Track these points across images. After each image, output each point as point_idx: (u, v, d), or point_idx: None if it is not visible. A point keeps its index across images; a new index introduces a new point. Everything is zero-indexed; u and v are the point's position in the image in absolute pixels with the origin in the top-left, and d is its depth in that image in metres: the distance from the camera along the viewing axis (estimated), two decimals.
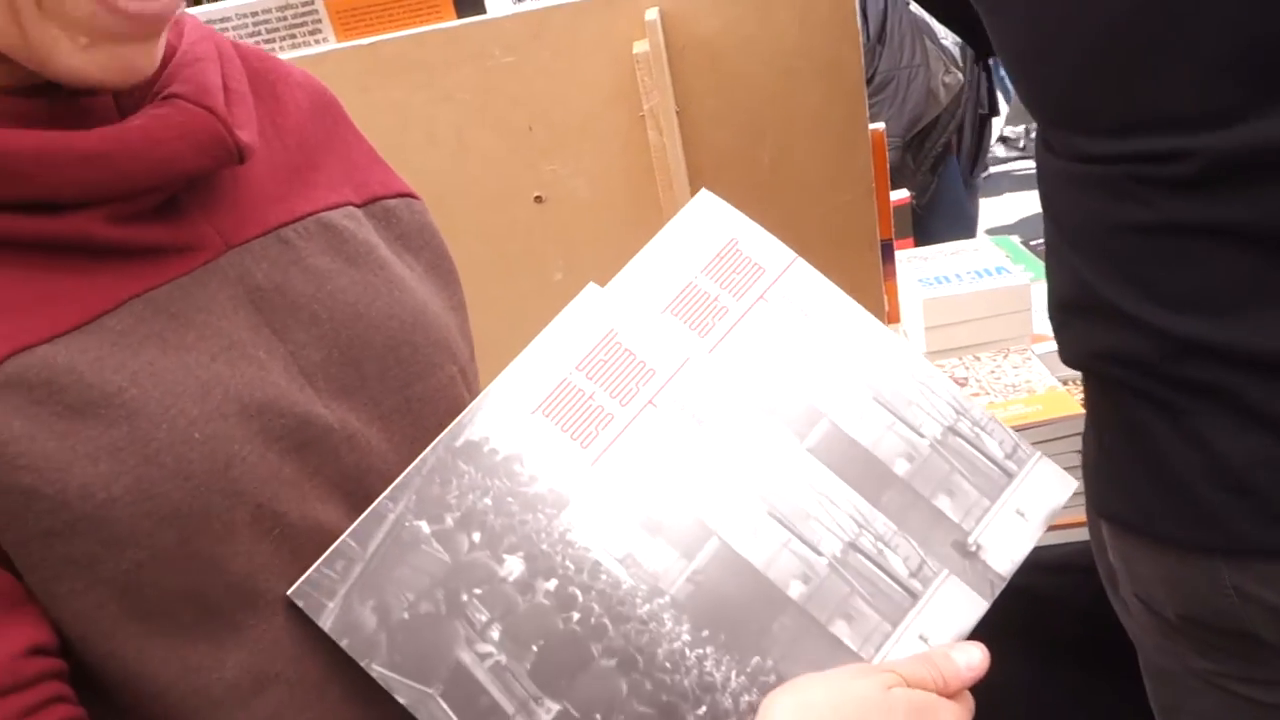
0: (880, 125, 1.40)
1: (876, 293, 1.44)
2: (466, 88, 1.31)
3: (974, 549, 0.66)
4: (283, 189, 0.63)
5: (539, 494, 0.61)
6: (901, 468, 0.67)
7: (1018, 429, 1.07)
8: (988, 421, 0.69)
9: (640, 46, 1.23)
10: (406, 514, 0.59)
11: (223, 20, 1.30)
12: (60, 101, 0.54)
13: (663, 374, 0.63)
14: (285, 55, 1.33)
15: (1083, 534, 1.11)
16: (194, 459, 0.53)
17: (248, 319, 0.58)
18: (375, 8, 1.29)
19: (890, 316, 1.61)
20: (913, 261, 1.84)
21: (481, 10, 1.29)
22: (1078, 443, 1.11)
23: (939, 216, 3.22)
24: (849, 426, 0.67)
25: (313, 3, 1.28)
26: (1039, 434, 1.41)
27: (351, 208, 0.67)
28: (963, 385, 1.56)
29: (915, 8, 3.01)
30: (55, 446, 0.49)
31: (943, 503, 0.66)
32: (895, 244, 1.64)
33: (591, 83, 1.29)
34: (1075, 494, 0.71)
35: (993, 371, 1.61)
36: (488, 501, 0.60)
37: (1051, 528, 0.70)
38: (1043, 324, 1.33)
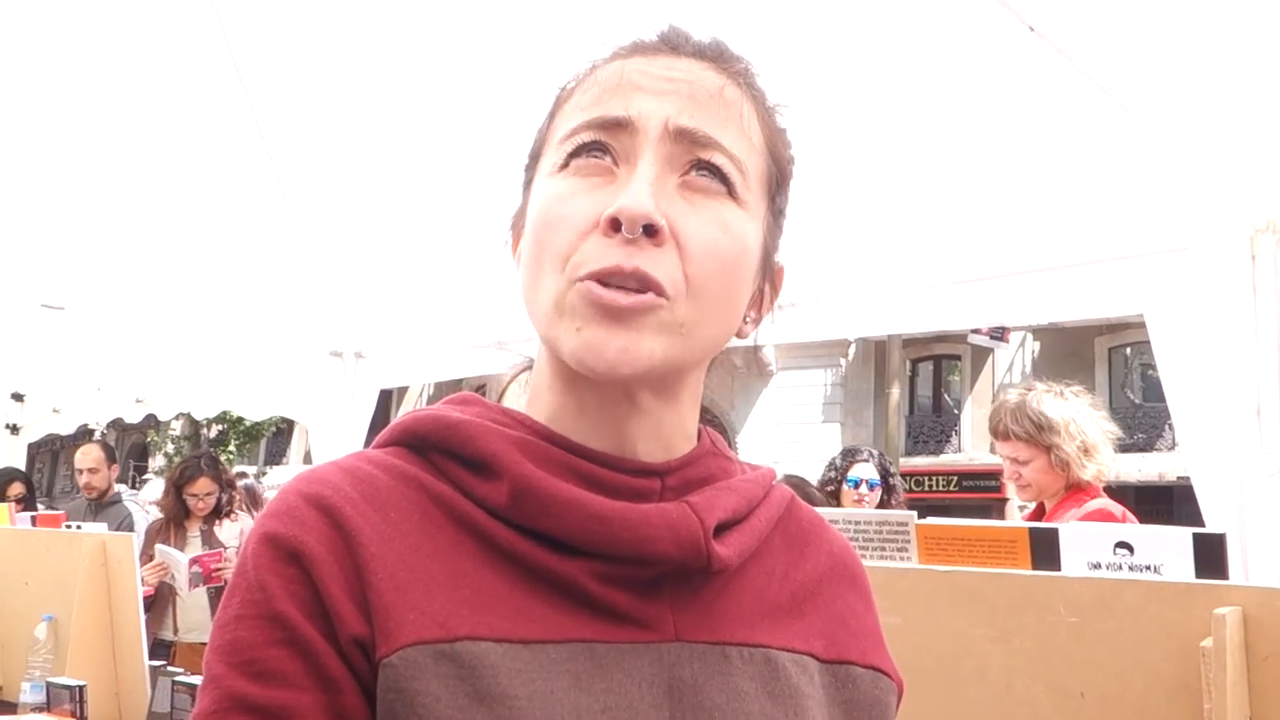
0: None
1: None
2: (1026, 636, 1.33)
3: None
4: (756, 619, 0.76)
5: None
6: None
7: None
8: None
9: (1207, 642, 1.15)
10: None
11: (834, 519, 1.51)
12: (622, 475, 0.74)
13: None
14: (871, 562, 1.48)
15: None
16: None
17: (655, 698, 0.70)
18: (959, 541, 1.40)
19: None
20: None
21: (1057, 567, 1.33)
22: None
23: None
24: None
25: (906, 526, 1.43)
26: None
27: (809, 658, 0.76)
28: None
29: None
30: (446, 712, 0.65)
31: None
32: None
33: (1154, 666, 1.23)
34: None
35: None
36: None
37: None
38: None
